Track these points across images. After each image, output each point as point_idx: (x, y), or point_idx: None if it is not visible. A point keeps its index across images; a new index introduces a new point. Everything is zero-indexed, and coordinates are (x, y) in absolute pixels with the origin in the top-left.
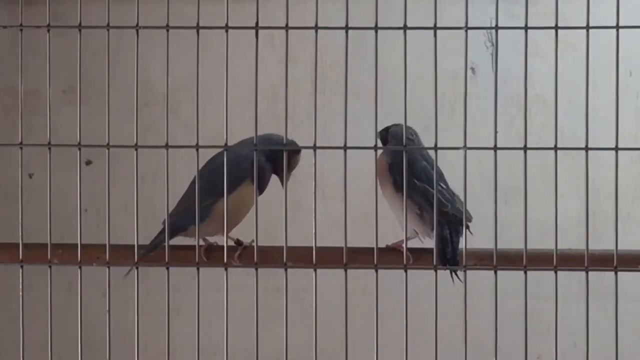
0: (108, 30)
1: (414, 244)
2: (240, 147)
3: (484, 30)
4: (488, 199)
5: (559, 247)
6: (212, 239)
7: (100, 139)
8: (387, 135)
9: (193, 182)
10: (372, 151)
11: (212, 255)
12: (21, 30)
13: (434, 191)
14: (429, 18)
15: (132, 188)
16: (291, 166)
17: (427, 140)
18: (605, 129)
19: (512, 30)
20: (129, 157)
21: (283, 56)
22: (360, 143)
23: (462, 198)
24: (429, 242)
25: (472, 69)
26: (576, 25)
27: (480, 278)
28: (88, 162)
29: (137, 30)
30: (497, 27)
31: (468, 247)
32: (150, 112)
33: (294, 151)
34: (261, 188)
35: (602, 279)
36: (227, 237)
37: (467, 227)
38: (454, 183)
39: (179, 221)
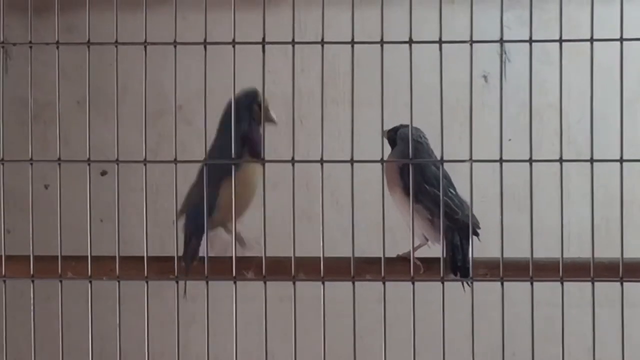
0: (116, 46)
1: (425, 251)
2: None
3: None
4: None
5: (572, 254)
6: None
7: (115, 149)
8: (395, 137)
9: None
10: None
11: (219, 268)
12: (30, 47)
13: (446, 197)
14: (442, 28)
15: (148, 198)
16: (265, 108)
17: (438, 148)
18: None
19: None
20: (144, 167)
21: (296, 66)
22: (370, 150)
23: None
24: (439, 249)
25: (485, 77)
26: (585, 32)
27: (491, 286)
28: (103, 173)
29: (145, 47)
30: (502, 41)
31: (479, 255)
32: (165, 121)
33: (258, 98)
34: (259, 152)
35: (614, 285)
36: (234, 231)
37: (477, 234)
38: (464, 191)
39: (196, 219)
